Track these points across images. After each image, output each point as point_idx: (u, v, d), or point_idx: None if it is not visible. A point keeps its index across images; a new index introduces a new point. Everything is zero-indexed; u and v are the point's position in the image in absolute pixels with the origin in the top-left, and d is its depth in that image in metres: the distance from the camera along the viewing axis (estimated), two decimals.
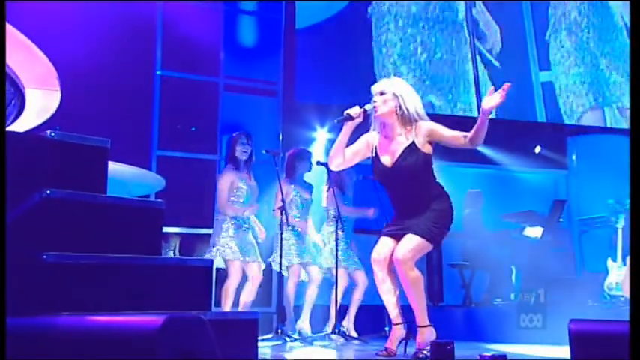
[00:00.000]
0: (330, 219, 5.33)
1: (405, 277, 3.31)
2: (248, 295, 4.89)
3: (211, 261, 2.85)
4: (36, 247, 2.35)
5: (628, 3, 8.03)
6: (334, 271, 5.12)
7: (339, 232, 5.08)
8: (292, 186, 5.29)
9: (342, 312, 5.27)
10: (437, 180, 3.48)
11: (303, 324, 5.18)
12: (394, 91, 3.39)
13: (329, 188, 5.31)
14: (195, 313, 2.50)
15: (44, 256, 2.32)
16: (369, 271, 5.39)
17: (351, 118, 3.38)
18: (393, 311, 3.45)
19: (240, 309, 4.81)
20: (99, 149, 2.64)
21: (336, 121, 3.49)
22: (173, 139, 6.91)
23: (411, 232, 3.33)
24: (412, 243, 3.31)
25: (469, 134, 3.31)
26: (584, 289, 6.55)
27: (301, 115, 7.21)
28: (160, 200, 2.78)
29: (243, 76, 7.25)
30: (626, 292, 6.23)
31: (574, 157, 8.00)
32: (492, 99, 3.18)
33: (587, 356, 2.13)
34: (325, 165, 5.39)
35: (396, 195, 3.45)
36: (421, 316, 3.39)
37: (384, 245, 3.45)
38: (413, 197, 3.38)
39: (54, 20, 5.87)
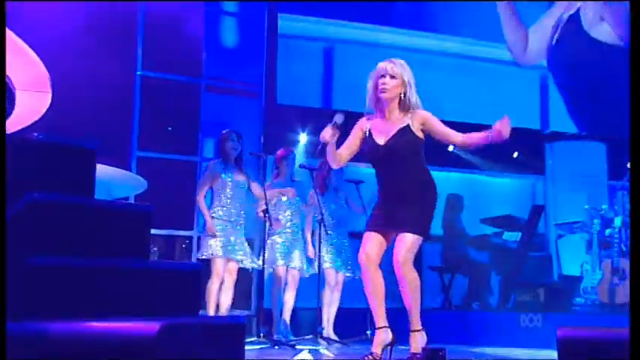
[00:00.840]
0: (314, 221, 5.33)
1: (404, 278, 3.28)
2: (227, 296, 4.86)
3: (200, 265, 2.83)
4: (22, 251, 2.32)
5: None
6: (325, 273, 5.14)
7: (324, 234, 5.09)
8: (279, 188, 5.26)
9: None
10: (426, 167, 3.48)
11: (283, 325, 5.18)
12: (405, 77, 3.39)
13: (314, 190, 5.32)
14: (185, 317, 2.49)
15: (29, 260, 2.28)
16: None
17: (327, 142, 3.35)
18: (380, 314, 3.37)
19: (222, 312, 4.78)
20: (86, 151, 2.61)
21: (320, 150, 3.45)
22: (153, 140, 6.85)
23: (406, 231, 3.29)
24: (409, 242, 3.28)
25: (463, 139, 3.35)
26: (560, 293, 6.66)
27: (282, 117, 7.21)
28: (147, 204, 2.76)
29: (225, 77, 7.22)
30: (601, 296, 6.34)
31: (551, 163, 8.11)
32: (506, 131, 3.25)
33: None
34: (308, 168, 5.40)
35: (386, 174, 3.41)
36: (416, 320, 3.34)
37: (373, 243, 3.37)
38: (403, 178, 3.36)
39: (32, 19, 5.78)
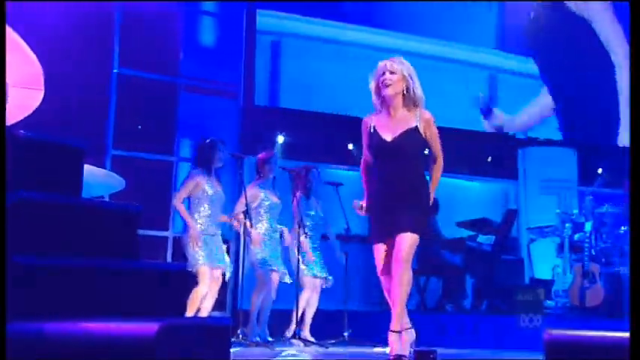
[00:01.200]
0: (294, 225, 5.32)
1: (402, 276, 3.33)
2: (210, 302, 4.83)
3: (185, 265, 2.81)
4: (9, 251, 2.28)
5: None
6: (300, 277, 5.14)
7: (304, 238, 5.09)
8: (262, 190, 5.23)
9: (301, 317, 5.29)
10: (423, 168, 3.57)
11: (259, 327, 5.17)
12: (404, 72, 3.45)
13: (293, 194, 5.32)
14: (174, 318, 2.47)
15: (15, 260, 2.25)
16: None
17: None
18: (404, 316, 3.39)
19: (202, 315, 4.74)
20: (75, 150, 2.58)
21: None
22: (129, 139, 6.78)
23: (407, 231, 3.36)
24: (411, 242, 3.36)
25: (434, 166, 3.55)
26: (532, 296, 6.77)
27: (260, 118, 7.20)
28: (136, 204, 2.73)
29: (202, 77, 7.18)
30: (572, 299, 6.46)
31: (523, 168, 8.25)
32: None
33: None
34: (289, 171, 5.41)
35: (388, 171, 3.46)
36: (402, 320, 3.35)
37: (383, 255, 3.46)
38: (404, 176, 3.43)
39: (8, 16, 5.67)
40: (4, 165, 1.96)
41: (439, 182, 3.57)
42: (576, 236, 6.95)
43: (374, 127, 3.49)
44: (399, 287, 3.31)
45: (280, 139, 7.27)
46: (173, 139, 6.96)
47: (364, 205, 3.55)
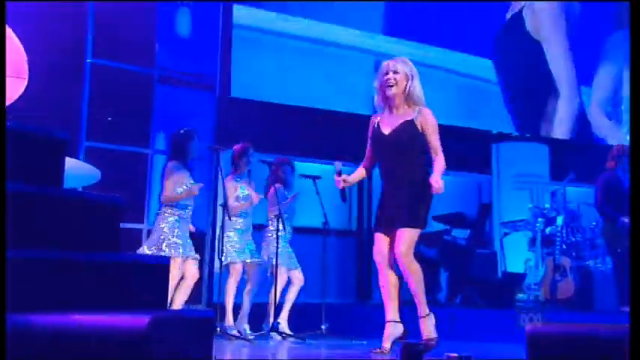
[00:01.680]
0: (272, 217, 5.31)
1: (407, 269, 3.52)
2: (184, 295, 4.79)
3: (168, 258, 2.78)
4: None
5: None
6: (273, 270, 5.13)
7: (282, 230, 5.09)
8: (238, 182, 5.22)
9: (278, 310, 5.28)
10: (425, 162, 3.72)
11: (242, 322, 5.15)
12: (407, 71, 3.66)
13: (270, 186, 5.30)
14: (157, 311, 2.45)
15: None
16: (304, 270, 5.48)
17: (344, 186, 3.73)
18: (389, 307, 3.60)
19: (175, 307, 4.71)
20: (56, 140, 2.54)
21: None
22: (103, 131, 6.67)
23: (406, 226, 3.52)
24: (408, 237, 3.53)
25: (435, 161, 3.68)
26: (505, 290, 6.87)
27: (237, 111, 7.15)
28: (118, 195, 2.70)
29: (178, 69, 7.10)
30: (544, 292, 6.58)
31: (497, 163, 8.35)
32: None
33: (542, 358, 2.25)
34: (267, 163, 5.39)
35: (388, 165, 3.67)
36: (423, 307, 3.58)
37: (381, 243, 3.64)
38: (402, 169, 3.60)
39: None
40: (5, 162, 1.92)
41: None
42: (548, 230, 7.07)
43: (377, 123, 3.71)
44: (411, 279, 3.53)
45: (257, 131, 7.23)
46: (148, 130, 6.87)
47: (345, 178, 3.71)
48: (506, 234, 7.53)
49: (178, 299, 4.78)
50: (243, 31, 7.35)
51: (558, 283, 6.48)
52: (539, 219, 7.10)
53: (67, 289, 2.25)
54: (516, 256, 7.44)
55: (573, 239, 7.03)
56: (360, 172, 3.86)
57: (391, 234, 3.59)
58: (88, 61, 6.71)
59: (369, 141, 3.79)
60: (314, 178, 5.46)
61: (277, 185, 5.31)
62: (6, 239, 1.91)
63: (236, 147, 5.35)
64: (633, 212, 2.45)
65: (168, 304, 4.63)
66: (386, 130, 3.66)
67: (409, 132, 3.60)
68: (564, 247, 6.86)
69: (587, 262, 6.92)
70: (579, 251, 7.00)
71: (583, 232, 7.10)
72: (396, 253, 3.52)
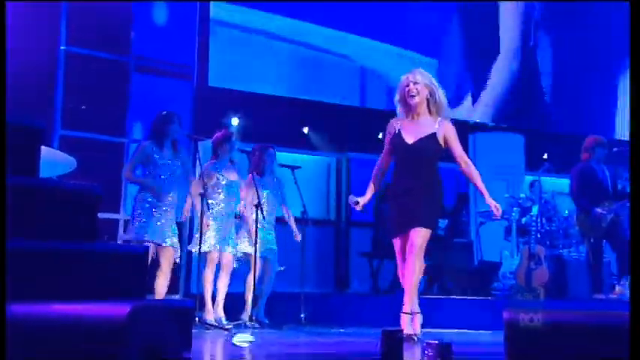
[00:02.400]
0: (249, 205, 5.28)
1: (414, 265, 3.74)
2: (163, 284, 4.74)
3: (146, 247, 2.77)
4: None
5: None
6: (251, 258, 5.13)
7: (261, 219, 5.08)
8: (217, 170, 5.16)
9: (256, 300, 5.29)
10: (438, 169, 3.99)
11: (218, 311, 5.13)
12: (426, 81, 3.89)
13: (249, 173, 5.28)
14: (136, 300, 2.44)
15: None
16: (279, 260, 5.49)
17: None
18: (407, 300, 3.79)
19: (156, 297, 4.67)
20: (32, 129, 2.50)
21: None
22: (78, 119, 6.58)
23: (420, 226, 3.78)
24: (424, 234, 3.80)
25: (466, 169, 4.02)
26: (481, 278, 6.95)
27: (214, 100, 7.11)
28: (96, 184, 2.67)
29: (155, 57, 7.02)
30: (519, 280, 6.67)
31: (474, 153, 8.41)
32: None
33: (520, 344, 2.28)
34: (246, 152, 5.37)
35: (406, 171, 3.89)
36: (416, 304, 3.82)
37: (401, 246, 3.87)
38: (419, 176, 3.85)
39: None
40: (5, 159, 1.89)
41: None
42: (523, 220, 7.16)
43: (399, 130, 3.90)
44: (411, 275, 3.74)
45: (235, 121, 7.20)
46: (124, 119, 6.80)
47: (361, 201, 3.97)
48: (482, 223, 7.60)
49: (159, 290, 4.72)
50: (221, 27, 7.30)
51: (533, 272, 6.57)
52: (515, 208, 7.18)
53: (46, 279, 2.22)
54: (492, 245, 7.52)
55: (547, 228, 7.13)
56: (371, 189, 4.05)
57: (406, 236, 3.81)
58: (62, 48, 6.61)
59: (387, 145, 3.97)
60: (292, 168, 5.45)
61: (254, 173, 5.29)
62: (5, 232, 1.87)
63: (217, 134, 5.30)
64: (633, 212, 2.51)
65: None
66: (409, 139, 3.85)
67: (433, 148, 3.85)
68: (539, 236, 6.96)
69: (561, 251, 7.03)
70: (553, 240, 7.11)
71: (557, 222, 7.21)
72: (410, 250, 3.74)
